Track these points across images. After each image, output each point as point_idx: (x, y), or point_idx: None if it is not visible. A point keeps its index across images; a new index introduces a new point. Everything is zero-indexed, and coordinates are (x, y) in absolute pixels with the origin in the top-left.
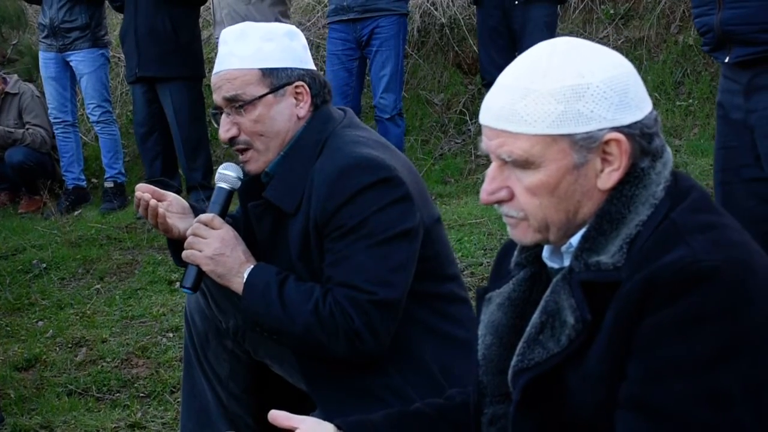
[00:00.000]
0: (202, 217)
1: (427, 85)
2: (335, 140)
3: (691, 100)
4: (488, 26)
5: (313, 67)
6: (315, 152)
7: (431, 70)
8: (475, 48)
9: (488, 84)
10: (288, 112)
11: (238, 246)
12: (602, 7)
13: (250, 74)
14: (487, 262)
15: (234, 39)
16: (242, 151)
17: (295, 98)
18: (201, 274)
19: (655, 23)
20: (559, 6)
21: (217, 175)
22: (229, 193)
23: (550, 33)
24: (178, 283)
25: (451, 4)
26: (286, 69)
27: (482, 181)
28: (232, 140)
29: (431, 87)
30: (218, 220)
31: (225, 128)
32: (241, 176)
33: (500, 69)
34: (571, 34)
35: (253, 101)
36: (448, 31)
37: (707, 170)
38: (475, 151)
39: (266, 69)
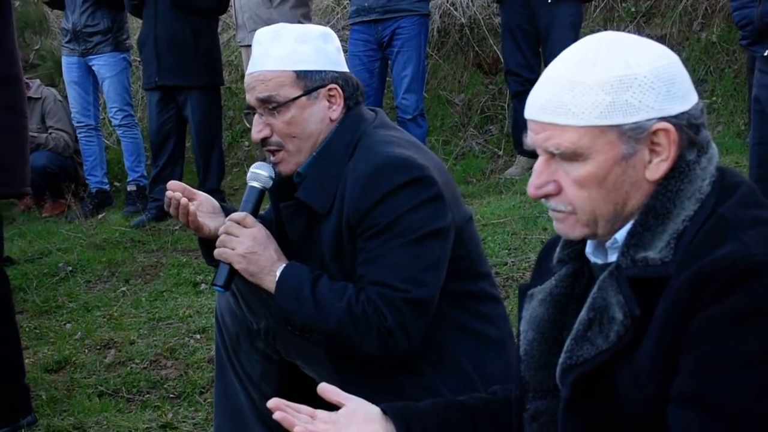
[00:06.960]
0: (234, 215)
1: (448, 85)
2: (368, 140)
3: (714, 98)
4: (513, 24)
5: (346, 69)
6: (348, 152)
7: (452, 70)
8: (495, 48)
9: (510, 72)
10: (321, 115)
11: (270, 245)
12: (623, 5)
13: (284, 76)
14: (512, 262)
15: (269, 40)
16: (274, 152)
17: (329, 101)
18: (233, 273)
19: (677, 20)
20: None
21: (249, 174)
22: (261, 192)
23: (575, 32)
24: (203, 285)
25: (471, 4)
26: (320, 71)
27: (504, 181)
28: (264, 141)
29: (452, 87)
30: (250, 219)
31: (257, 129)
32: (273, 175)
33: (524, 61)
34: (592, 32)
35: (287, 103)
36: (468, 31)
37: (732, 168)
38: (498, 150)
39: (300, 71)
